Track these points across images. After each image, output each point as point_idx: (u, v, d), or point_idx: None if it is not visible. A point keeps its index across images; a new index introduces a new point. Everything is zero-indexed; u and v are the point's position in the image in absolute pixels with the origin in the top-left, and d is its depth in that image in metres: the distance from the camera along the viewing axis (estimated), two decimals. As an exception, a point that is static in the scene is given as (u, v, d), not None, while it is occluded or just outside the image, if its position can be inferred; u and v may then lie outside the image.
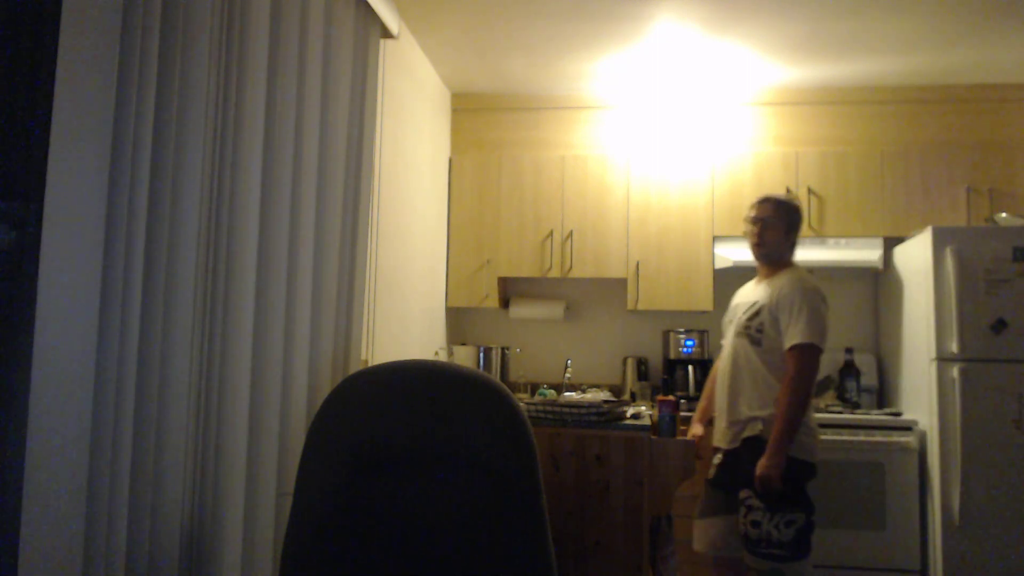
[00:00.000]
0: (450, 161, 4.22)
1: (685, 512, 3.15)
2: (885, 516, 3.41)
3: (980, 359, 3.26)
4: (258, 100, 1.86)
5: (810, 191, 3.90)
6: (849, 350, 3.86)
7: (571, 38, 3.50)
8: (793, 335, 2.57)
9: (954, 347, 3.26)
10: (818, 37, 3.43)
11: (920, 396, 3.47)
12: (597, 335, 4.35)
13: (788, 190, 3.89)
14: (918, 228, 3.61)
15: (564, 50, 3.65)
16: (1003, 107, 3.94)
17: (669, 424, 2.58)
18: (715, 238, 3.95)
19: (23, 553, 1.20)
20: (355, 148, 2.53)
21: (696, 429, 2.92)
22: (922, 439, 3.43)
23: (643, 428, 2.53)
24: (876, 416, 3.54)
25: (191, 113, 1.58)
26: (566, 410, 2.56)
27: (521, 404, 1.62)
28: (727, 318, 2.88)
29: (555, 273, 4.05)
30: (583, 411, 2.54)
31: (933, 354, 3.32)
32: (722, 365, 2.80)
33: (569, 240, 4.05)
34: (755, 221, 2.77)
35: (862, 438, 3.47)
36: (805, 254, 3.86)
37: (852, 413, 3.60)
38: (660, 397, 2.66)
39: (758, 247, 2.77)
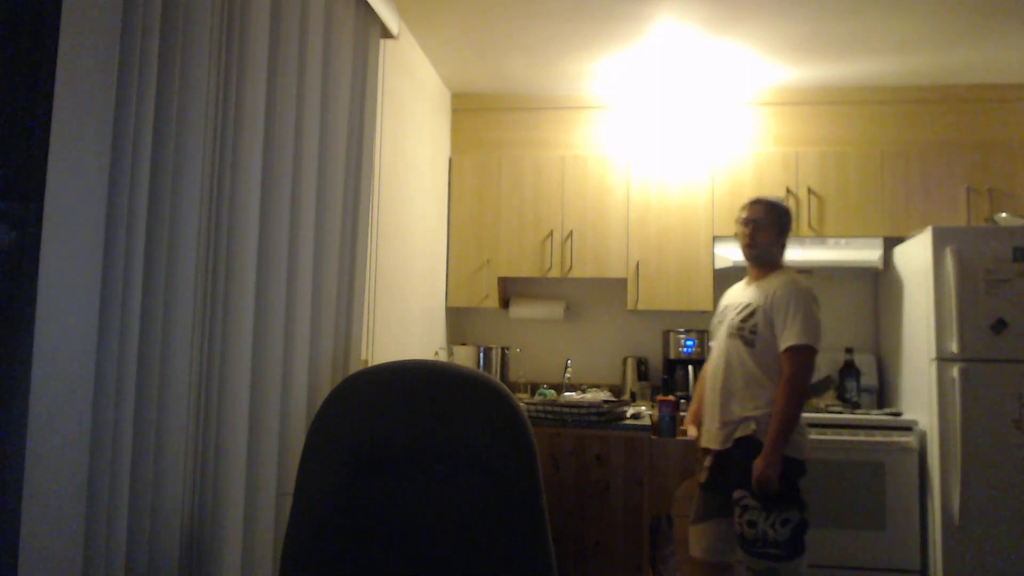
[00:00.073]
0: (450, 161, 4.22)
1: (685, 512, 3.15)
2: (885, 516, 3.41)
3: (980, 359, 3.26)
4: (258, 100, 1.86)
5: (810, 191, 3.90)
6: (849, 350, 3.86)
7: (571, 38, 3.50)
8: (789, 337, 2.58)
9: (954, 347, 3.26)
10: (818, 37, 3.43)
11: (920, 396, 3.47)
12: (597, 335, 4.35)
13: (788, 190, 3.90)
14: (918, 228, 3.61)
15: (564, 50, 3.65)
16: (1003, 107, 3.94)
17: (669, 424, 2.59)
18: (715, 238, 3.95)
19: (23, 553, 1.20)
20: (355, 148, 2.53)
21: (691, 431, 2.93)
22: (922, 439, 3.43)
23: (643, 428, 2.53)
24: (876, 416, 3.54)
25: (191, 113, 1.58)
26: (566, 410, 2.56)
27: (521, 404, 1.62)
28: (716, 319, 2.89)
29: (555, 273, 4.05)
30: (583, 411, 2.54)
31: (933, 354, 3.32)
32: (712, 366, 2.81)
33: (569, 240, 4.05)
34: (746, 223, 2.78)
35: (862, 438, 3.47)
36: (805, 254, 3.87)
37: (852, 413, 3.60)
38: (660, 397, 2.66)
39: (750, 248, 2.78)
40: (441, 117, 4.10)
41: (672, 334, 4.04)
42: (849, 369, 3.82)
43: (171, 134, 1.53)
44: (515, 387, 4.18)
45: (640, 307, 3.99)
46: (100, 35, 1.32)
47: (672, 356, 4.03)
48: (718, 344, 2.80)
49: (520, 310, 4.23)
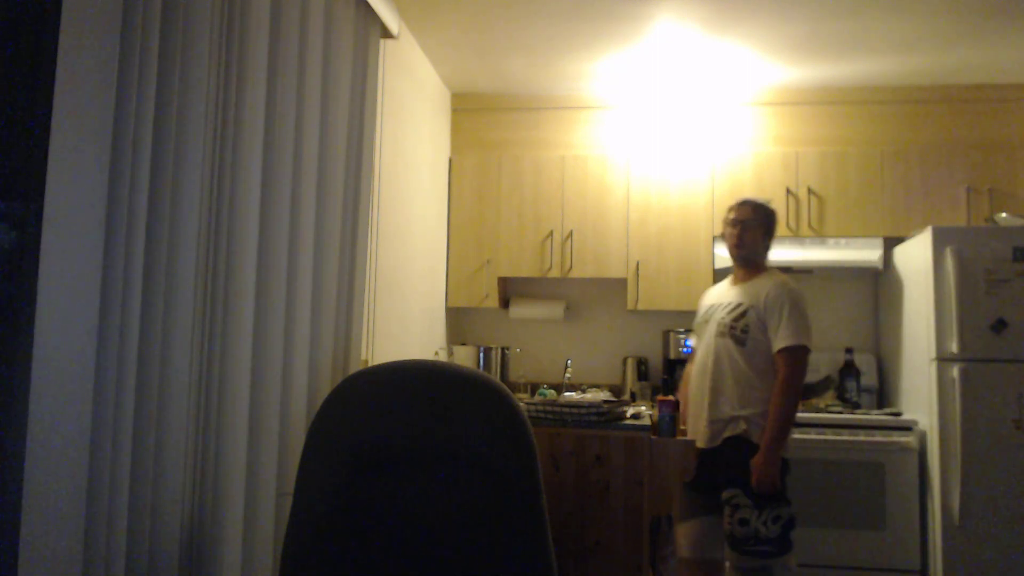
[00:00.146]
0: (450, 161, 4.22)
1: (685, 512, 3.15)
2: (885, 516, 3.41)
3: (980, 359, 3.26)
4: (258, 100, 1.86)
5: (810, 191, 3.90)
6: (849, 350, 3.86)
7: (571, 38, 3.50)
8: (784, 338, 2.62)
9: (954, 347, 3.26)
10: (818, 37, 3.43)
11: (920, 396, 3.47)
12: (597, 335, 4.35)
13: (788, 190, 3.90)
14: (918, 228, 3.61)
15: (564, 50, 3.65)
16: (1003, 107, 3.94)
17: (669, 424, 2.58)
18: (715, 238, 3.95)
19: (23, 553, 1.20)
20: (355, 148, 2.53)
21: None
22: (922, 439, 3.43)
23: (643, 428, 2.53)
24: (876, 416, 3.54)
25: (191, 113, 1.58)
26: (566, 410, 2.56)
27: (521, 404, 1.62)
28: (701, 318, 2.91)
29: (555, 273, 4.05)
30: (583, 411, 2.54)
31: (933, 354, 3.32)
32: (699, 365, 2.83)
33: (569, 240, 4.05)
34: (734, 223, 2.83)
35: (862, 438, 3.47)
36: (805, 254, 3.87)
37: (852, 413, 3.59)
38: (660, 397, 2.66)
39: (737, 248, 2.82)
40: (441, 117, 4.10)
41: (672, 334, 4.04)
42: (849, 369, 3.82)
43: (171, 134, 1.53)
44: (515, 387, 4.18)
45: (640, 307, 3.99)
46: (100, 35, 1.32)
47: (672, 356, 4.03)
48: (705, 343, 2.83)
49: (520, 310, 4.23)
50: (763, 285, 2.73)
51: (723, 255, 3.90)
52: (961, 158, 3.83)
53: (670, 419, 2.59)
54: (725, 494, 2.63)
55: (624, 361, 4.18)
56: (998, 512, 3.19)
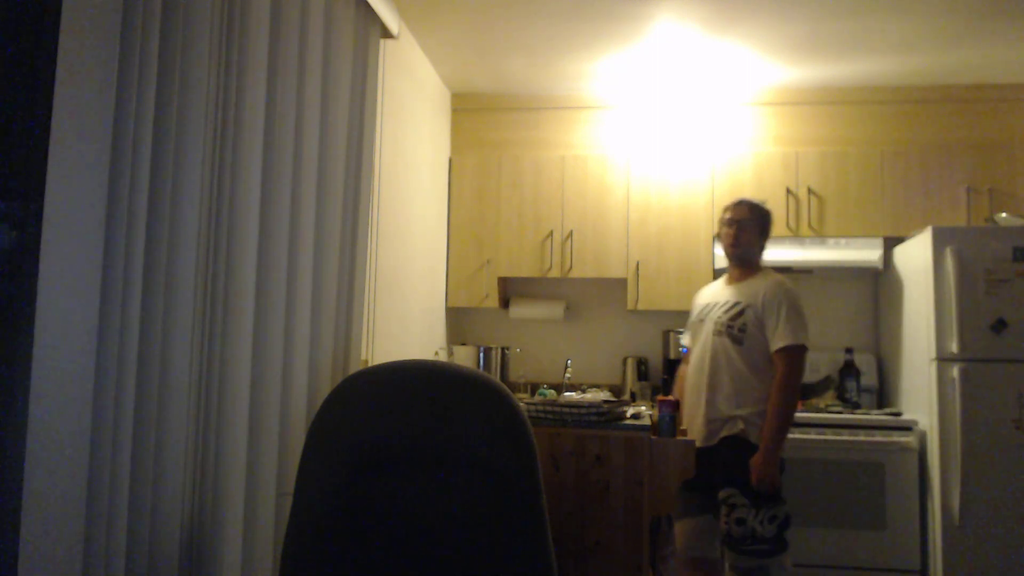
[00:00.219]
0: (450, 161, 4.22)
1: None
2: (885, 516, 3.41)
3: (980, 359, 3.26)
4: (258, 100, 1.86)
5: (810, 191, 3.90)
6: (849, 350, 3.86)
7: (571, 38, 3.50)
8: (782, 337, 2.65)
9: (954, 347, 3.26)
10: (818, 37, 3.43)
11: (920, 396, 3.47)
12: (597, 335, 4.35)
13: (788, 190, 3.90)
14: (918, 228, 3.61)
15: (564, 50, 3.65)
16: (1003, 107, 3.94)
17: (669, 424, 2.58)
18: (715, 238, 3.94)
19: (23, 553, 1.20)
20: (355, 148, 2.53)
21: None
22: (922, 439, 3.43)
23: (643, 428, 2.52)
24: (876, 416, 3.54)
25: (191, 113, 1.58)
26: (566, 410, 2.56)
27: (521, 404, 1.62)
28: (696, 317, 2.93)
29: (555, 273, 4.05)
30: (583, 411, 2.54)
31: (933, 354, 3.32)
32: (695, 364, 2.85)
33: (569, 240, 4.05)
34: (731, 223, 2.86)
35: (862, 438, 3.47)
36: (805, 254, 3.87)
37: (852, 413, 3.59)
38: (660, 397, 2.66)
39: (733, 248, 2.85)
40: (441, 117, 4.10)
41: (672, 334, 4.04)
42: (849, 369, 3.82)
43: (171, 134, 1.53)
44: (515, 387, 4.18)
45: (640, 307, 3.99)
46: (100, 35, 1.32)
47: (672, 356, 4.03)
48: (702, 342, 2.84)
49: (520, 310, 4.24)
50: (760, 284, 2.75)
51: (723, 255, 3.91)
52: (961, 158, 3.83)
53: (670, 419, 2.59)
54: (722, 493, 2.63)
55: (624, 361, 4.18)
56: (998, 512, 3.19)
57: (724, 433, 2.68)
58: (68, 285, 1.27)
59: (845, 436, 3.48)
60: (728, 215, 2.88)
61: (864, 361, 3.94)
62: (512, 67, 3.89)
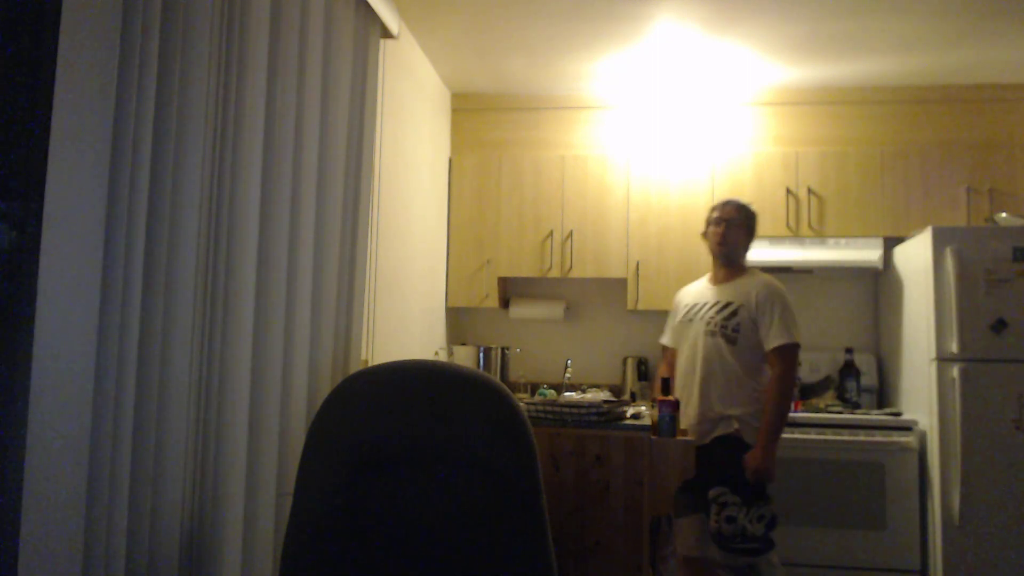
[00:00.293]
0: (450, 161, 4.21)
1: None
2: (885, 516, 3.41)
3: (980, 359, 3.26)
4: (258, 100, 1.86)
5: (810, 191, 3.90)
6: (849, 350, 3.86)
7: (571, 38, 3.50)
8: (777, 336, 2.69)
9: (954, 347, 3.26)
10: (818, 37, 3.43)
11: (920, 396, 3.47)
12: (597, 335, 4.35)
13: (788, 190, 3.90)
14: (918, 228, 3.60)
15: (564, 50, 3.65)
16: (1003, 107, 3.94)
17: (669, 424, 2.59)
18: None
19: (23, 553, 1.20)
20: (355, 148, 2.53)
21: None
22: (922, 439, 3.43)
23: (643, 428, 2.53)
24: (876, 416, 3.54)
25: (191, 113, 1.58)
26: (566, 410, 2.56)
27: (521, 404, 1.62)
28: (683, 317, 2.94)
29: (555, 273, 4.05)
30: (583, 411, 2.54)
31: (933, 354, 3.32)
32: (686, 364, 2.86)
33: (569, 240, 4.05)
34: (718, 222, 2.89)
35: (862, 438, 3.47)
36: (805, 254, 3.87)
37: (852, 413, 3.59)
38: (660, 397, 2.66)
39: (720, 246, 2.89)
40: (441, 117, 4.10)
41: (672, 334, 4.04)
42: (849, 369, 3.82)
43: (171, 134, 1.53)
44: (515, 387, 4.18)
45: (640, 307, 3.99)
46: (100, 35, 1.32)
47: (672, 356, 4.03)
48: (691, 342, 2.85)
49: (520, 310, 4.23)
50: (750, 284, 2.79)
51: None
52: (961, 158, 3.83)
53: (670, 419, 2.59)
54: (712, 492, 2.65)
55: (624, 361, 4.18)
56: (998, 512, 3.19)
57: (718, 432, 2.71)
58: (68, 285, 1.27)
59: (845, 436, 3.48)
60: (716, 214, 2.91)
61: (864, 361, 3.94)
62: (512, 67, 3.89)
